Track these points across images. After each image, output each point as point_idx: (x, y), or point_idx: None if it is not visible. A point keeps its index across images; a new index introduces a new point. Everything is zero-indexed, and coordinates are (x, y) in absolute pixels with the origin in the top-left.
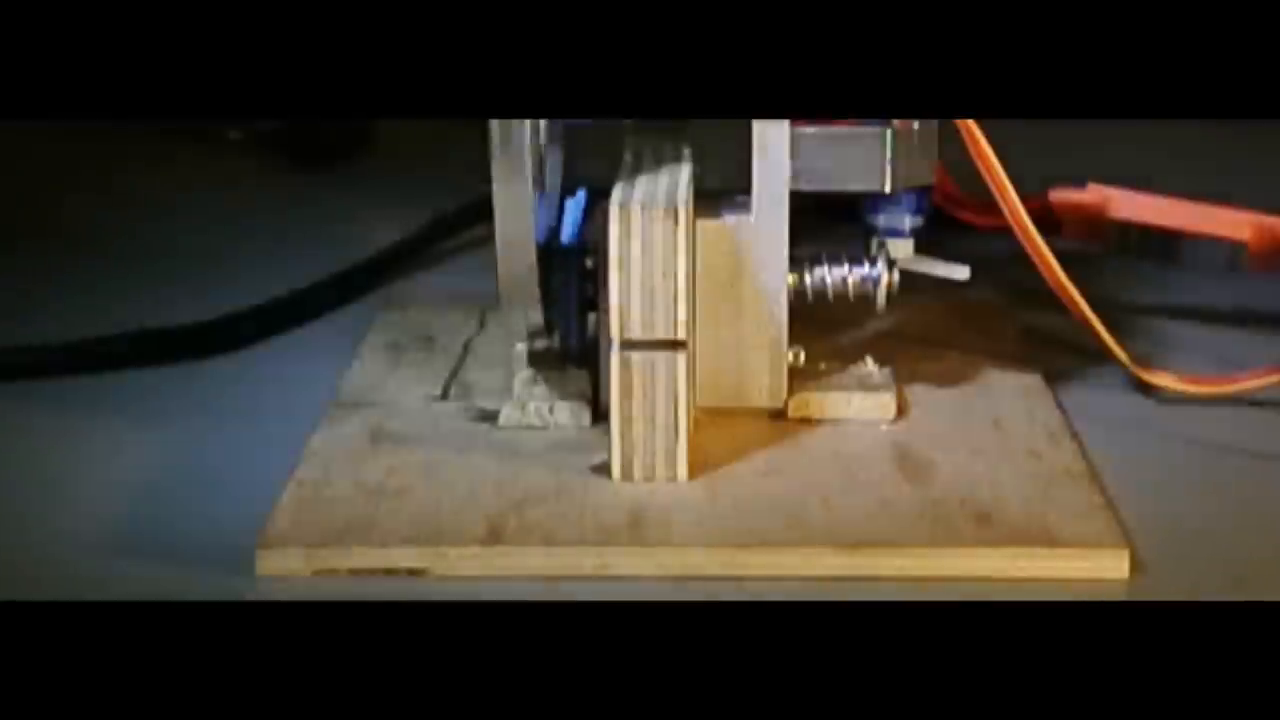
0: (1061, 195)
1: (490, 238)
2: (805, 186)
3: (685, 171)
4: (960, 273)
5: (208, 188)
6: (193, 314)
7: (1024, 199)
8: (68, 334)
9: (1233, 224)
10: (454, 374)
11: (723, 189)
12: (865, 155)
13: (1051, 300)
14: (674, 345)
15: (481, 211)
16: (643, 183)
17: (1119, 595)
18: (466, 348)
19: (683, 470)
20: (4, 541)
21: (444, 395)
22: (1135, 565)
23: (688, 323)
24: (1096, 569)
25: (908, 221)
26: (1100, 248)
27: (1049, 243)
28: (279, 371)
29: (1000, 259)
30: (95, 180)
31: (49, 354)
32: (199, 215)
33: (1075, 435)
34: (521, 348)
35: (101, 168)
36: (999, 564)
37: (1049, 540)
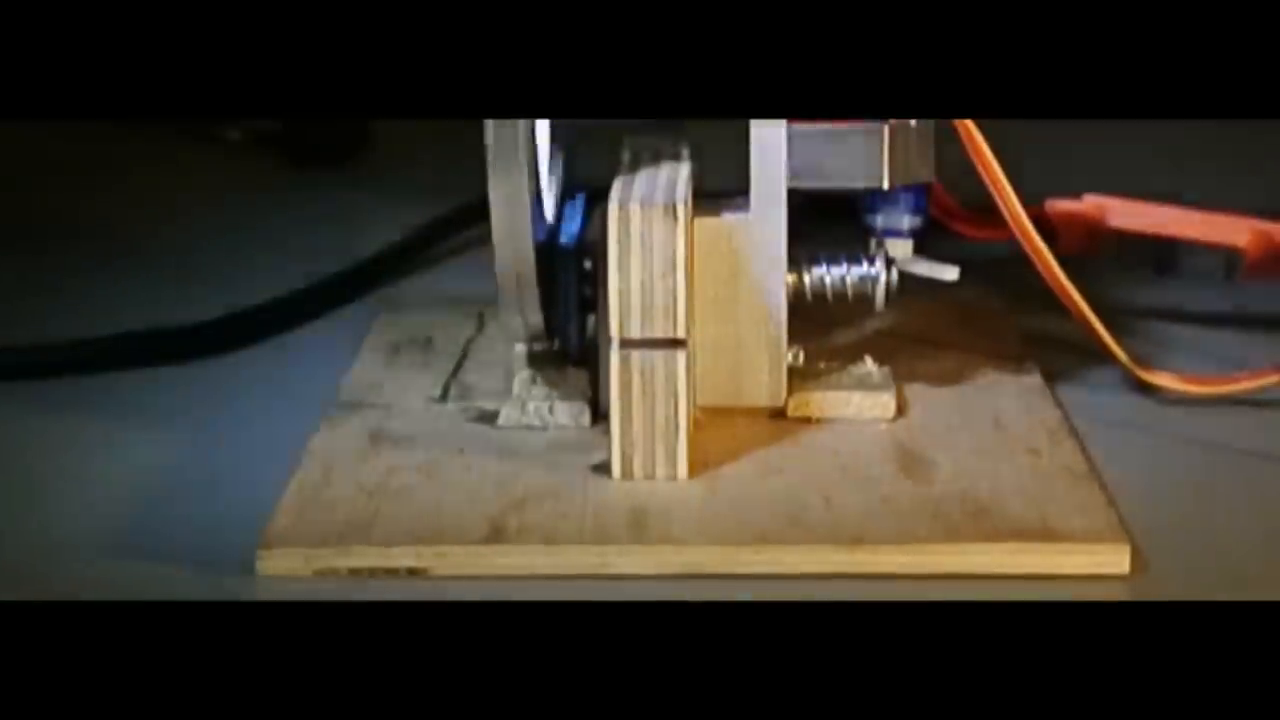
0: (1058, 206)
1: (488, 239)
2: (803, 184)
3: (684, 170)
4: (949, 273)
5: (208, 188)
6: (193, 314)
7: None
8: (68, 334)
9: (1229, 231)
10: (453, 375)
11: (722, 189)
12: (863, 152)
13: (1051, 302)
14: (673, 344)
15: (481, 212)
16: (641, 181)
17: (1119, 595)
18: (466, 349)
19: (683, 469)
20: (4, 541)
21: (443, 396)
22: (1135, 562)
23: (687, 321)
24: (1097, 564)
25: (906, 222)
26: (1098, 258)
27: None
28: (279, 371)
29: (1000, 260)
30: (95, 180)
31: (49, 354)
32: (199, 215)
33: (1075, 433)
34: (521, 348)
35: (101, 168)
36: (1000, 559)
37: (1049, 535)
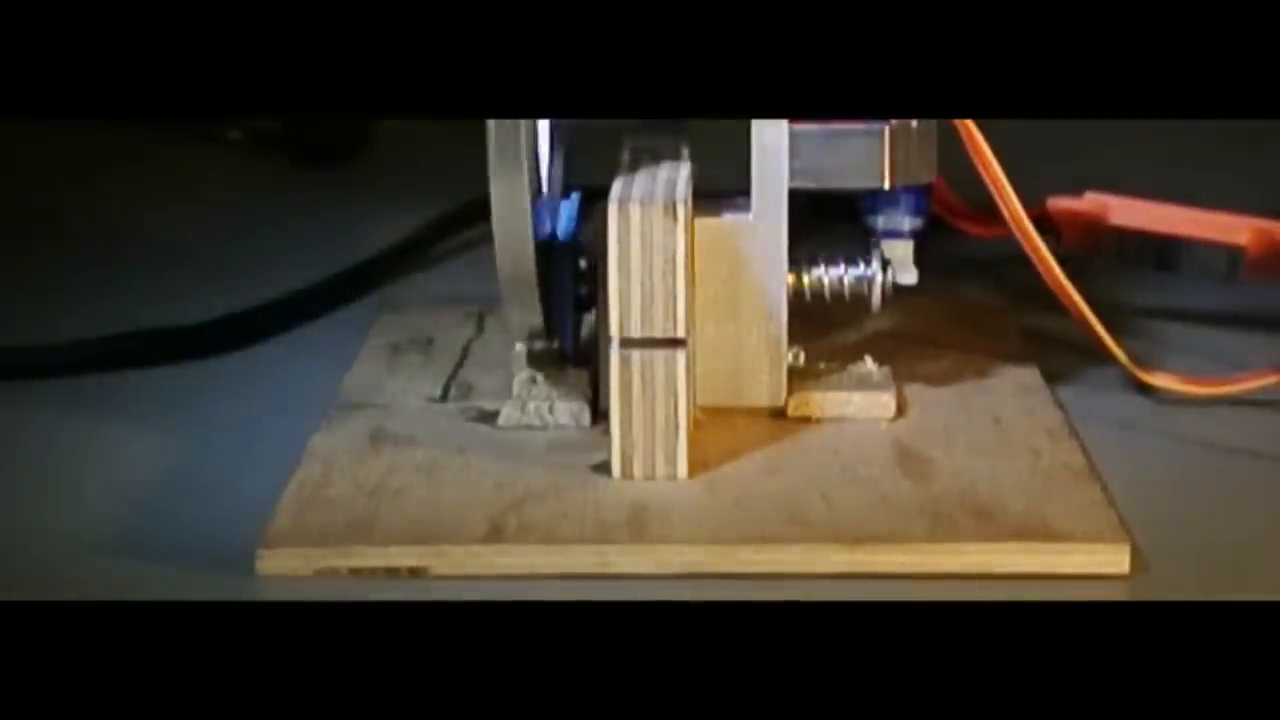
0: (1059, 204)
1: (488, 239)
2: (804, 184)
3: (684, 170)
4: (908, 276)
5: (208, 188)
6: (193, 314)
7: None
8: (68, 334)
9: (1230, 229)
10: (453, 375)
11: (722, 189)
12: (864, 152)
13: (1050, 301)
14: (673, 343)
15: (481, 212)
16: (641, 180)
17: (1119, 595)
18: (466, 349)
19: (683, 468)
20: (4, 541)
21: (444, 396)
22: (1135, 562)
23: (687, 320)
24: (1097, 563)
25: (907, 223)
26: (1099, 256)
27: (1047, 245)
28: (279, 371)
29: (1000, 260)
30: (95, 180)
31: (49, 354)
32: (199, 215)
33: (1075, 433)
34: (521, 347)
35: (102, 167)
36: (999, 559)
37: (1049, 535)
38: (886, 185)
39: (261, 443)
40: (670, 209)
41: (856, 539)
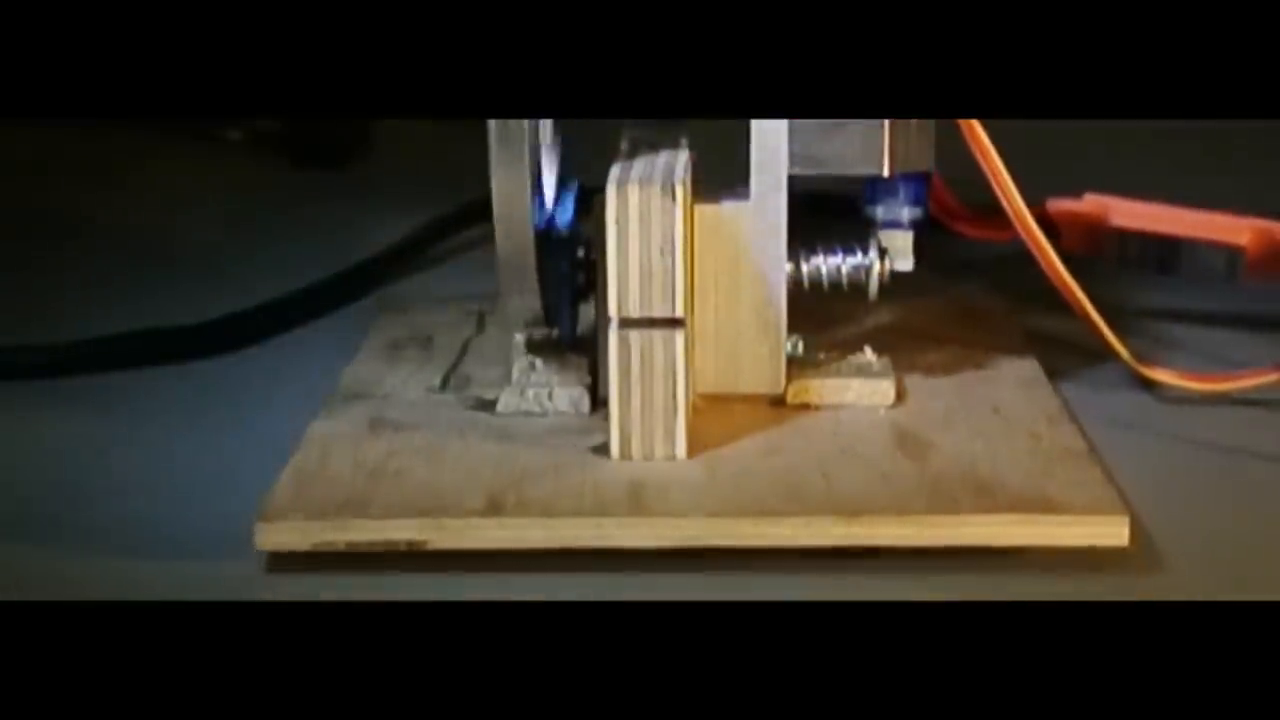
0: (1059, 205)
1: (488, 239)
2: (803, 171)
3: (683, 156)
4: (904, 264)
5: (208, 188)
6: (193, 314)
7: None
8: (68, 334)
9: (1231, 230)
10: (453, 368)
11: (722, 184)
12: (863, 139)
13: (1053, 302)
14: (672, 323)
15: (481, 212)
16: (640, 165)
17: (1118, 594)
18: (465, 347)
19: (681, 448)
20: (4, 541)
21: (443, 387)
22: (1135, 537)
23: (685, 301)
24: (1096, 535)
25: (906, 213)
26: (1099, 257)
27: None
28: (279, 371)
29: (1001, 260)
30: (95, 180)
31: (49, 354)
32: (199, 215)
33: (1075, 419)
34: (520, 336)
35: (101, 167)
36: (999, 530)
37: (1048, 507)
38: (886, 172)
39: (261, 443)
40: (668, 189)
41: (855, 511)
